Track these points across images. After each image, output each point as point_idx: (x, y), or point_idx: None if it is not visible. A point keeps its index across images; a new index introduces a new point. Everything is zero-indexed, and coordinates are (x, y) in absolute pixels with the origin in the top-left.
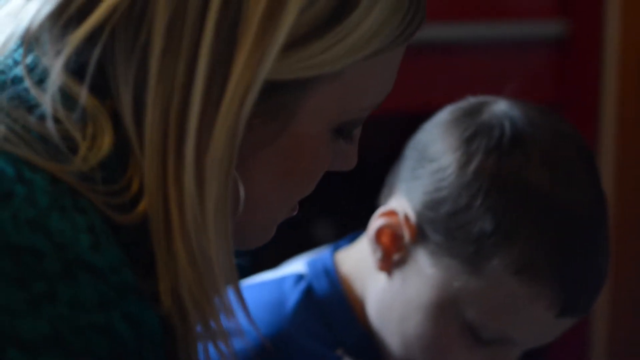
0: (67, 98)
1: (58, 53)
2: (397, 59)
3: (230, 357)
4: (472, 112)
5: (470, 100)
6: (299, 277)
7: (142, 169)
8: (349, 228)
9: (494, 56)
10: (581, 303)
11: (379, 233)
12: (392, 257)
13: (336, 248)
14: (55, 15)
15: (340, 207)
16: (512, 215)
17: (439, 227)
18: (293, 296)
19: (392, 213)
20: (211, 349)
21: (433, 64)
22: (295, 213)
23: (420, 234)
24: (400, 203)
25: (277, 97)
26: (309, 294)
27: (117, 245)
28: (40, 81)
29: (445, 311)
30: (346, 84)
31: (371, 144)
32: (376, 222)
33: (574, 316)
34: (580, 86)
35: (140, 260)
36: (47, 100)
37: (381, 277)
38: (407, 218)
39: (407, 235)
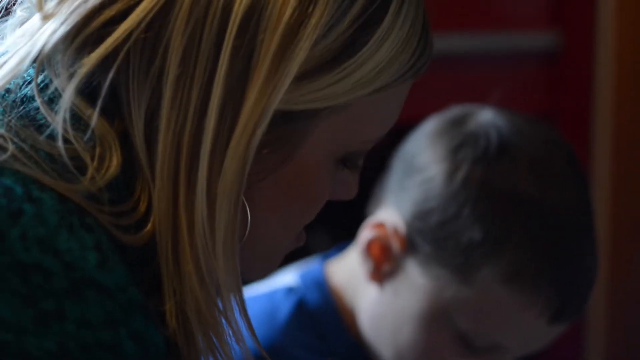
0: (76, 119)
1: (71, 75)
2: (404, 93)
3: None
4: (458, 122)
5: (456, 110)
6: (290, 290)
7: (151, 191)
8: (342, 236)
9: (486, 68)
10: (571, 309)
11: (369, 245)
12: (383, 268)
13: (326, 258)
14: (71, 37)
15: (332, 216)
16: (501, 224)
17: (428, 237)
18: (285, 308)
19: (381, 225)
20: None
21: (424, 76)
22: (302, 243)
23: (409, 245)
24: (389, 214)
25: (286, 126)
26: (300, 306)
27: (123, 263)
28: (50, 101)
29: (437, 320)
30: (353, 116)
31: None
32: (366, 234)
33: (564, 322)
34: (573, 98)
35: (146, 280)
36: (57, 120)
37: (372, 288)
38: (396, 230)
39: (396, 246)
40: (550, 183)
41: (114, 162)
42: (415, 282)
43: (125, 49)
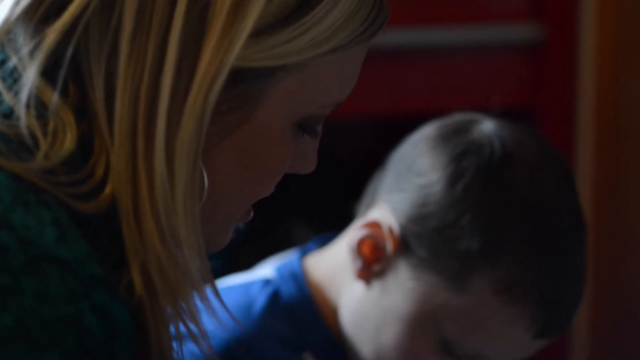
0: (31, 96)
1: (34, 49)
2: (360, 58)
3: (202, 340)
4: (461, 130)
5: (457, 118)
6: (266, 282)
7: (109, 154)
8: (326, 231)
9: (468, 60)
10: (558, 325)
11: (360, 243)
12: (373, 267)
13: (304, 251)
14: (34, 9)
15: (317, 211)
16: (500, 235)
17: (424, 241)
18: (260, 300)
19: (375, 224)
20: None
21: (406, 68)
22: (250, 218)
23: (403, 247)
24: (383, 214)
25: (242, 85)
26: (275, 298)
27: (84, 239)
28: (4, 79)
29: (422, 325)
30: (309, 77)
31: (346, 148)
32: (358, 232)
33: (550, 337)
34: (556, 90)
35: (108, 253)
36: (19, 98)
37: (359, 285)
38: (391, 230)
39: (389, 247)
40: (550, 199)
41: (68, 136)
42: (405, 284)
43: (85, 16)
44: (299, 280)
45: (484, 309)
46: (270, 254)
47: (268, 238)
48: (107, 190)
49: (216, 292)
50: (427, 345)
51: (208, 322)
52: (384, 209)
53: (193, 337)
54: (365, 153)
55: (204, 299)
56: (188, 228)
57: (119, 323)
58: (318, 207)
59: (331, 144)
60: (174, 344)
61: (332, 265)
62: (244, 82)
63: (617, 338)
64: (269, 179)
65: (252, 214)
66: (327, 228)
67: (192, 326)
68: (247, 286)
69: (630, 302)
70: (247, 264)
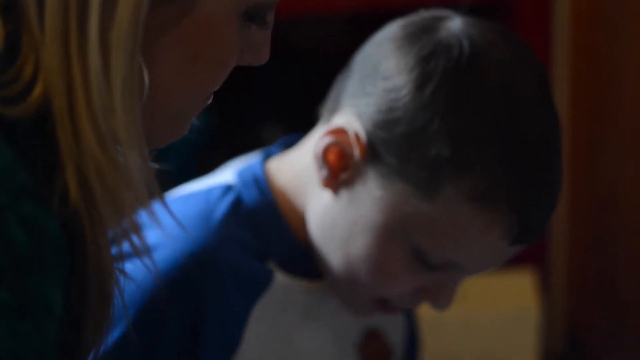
0: None
1: None
2: None
3: (144, 253)
4: (428, 29)
5: (425, 15)
6: (227, 188)
7: (38, 52)
8: (297, 132)
9: None
10: (535, 231)
11: (325, 150)
12: (340, 176)
13: (267, 154)
14: None
15: (290, 111)
16: (470, 140)
17: (392, 149)
18: (220, 208)
19: (341, 130)
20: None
21: None
22: (209, 102)
23: (371, 154)
24: (349, 120)
25: None
26: (237, 205)
27: (8, 146)
28: None
29: (393, 235)
30: None
31: (320, 45)
32: (323, 139)
33: (526, 243)
34: None
35: (39, 161)
36: None
37: (326, 194)
38: (357, 136)
39: (357, 154)
40: (521, 101)
41: None
42: (374, 193)
43: None
44: (262, 185)
45: (456, 218)
46: (232, 157)
47: (238, 140)
48: (37, 91)
49: (161, 197)
50: (398, 256)
51: (165, 233)
52: (349, 115)
53: (135, 249)
54: (340, 50)
55: (147, 205)
56: (128, 127)
57: (50, 235)
58: (291, 107)
59: (305, 41)
60: (114, 256)
61: (296, 171)
62: None
63: (596, 236)
64: (216, 72)
65: (211, 98)
66: (301, 129)
67: (134, 237)
68: (206, 193)
69: (608, 198)
70: (216, 168)
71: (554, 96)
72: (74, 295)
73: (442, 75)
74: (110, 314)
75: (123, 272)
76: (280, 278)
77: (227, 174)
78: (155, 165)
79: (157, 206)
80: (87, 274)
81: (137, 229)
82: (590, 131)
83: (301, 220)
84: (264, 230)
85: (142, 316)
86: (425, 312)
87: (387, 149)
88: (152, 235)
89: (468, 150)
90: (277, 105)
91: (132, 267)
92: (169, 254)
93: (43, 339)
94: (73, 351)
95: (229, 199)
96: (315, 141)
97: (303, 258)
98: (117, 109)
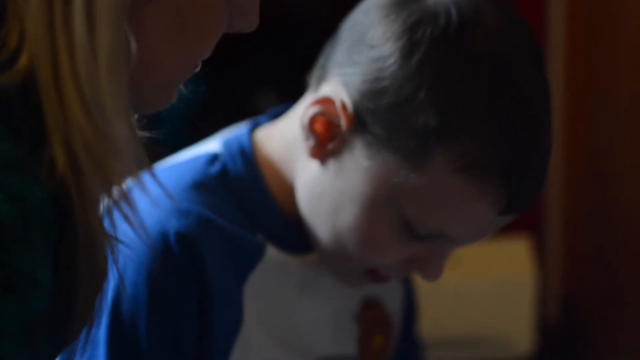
0: None
1: None
2: None
3: (135, 221)
4: None
5: None
6: (213, 157)
7: (23, 21)
8: (292, 100)
9: None
10: (525, 200)
11: (312, 120)
12: (327, 146)
13: (255, 125)
14: None
15: (282, 80)
16: (458, 109)
17: (379, 118)
18: (206, 178)
19: (327, 100)
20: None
21: None
22: (197, 70)
23: (358, 124)
24: (335, 89)
25: None
26: (224, 176)
27: None
28: None
29: (381, 206)
30: None
31: (309, 14)
32: (310, 109)
33: (515, 213)
34: None
35: (25, 132)
36: None
37: (313, 165)
38: (344, 106)
39: (343, 124)
40: (510, 69)
41: None
42: (361, 163)
43: None
44: (248, 156)
45: (445, 188)
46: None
47: (230, 109)
48: (22, 60)
49: (149, 167)
50: (387, 227)
51: (153, 202)
52: (335, 84)
53: (125, 217)
54: (332, 16)
55: (135, 175)
56: (114, 96)
57: (36, 208)
58: (284, 75)
59: (296, 6)
60: (105, 227)
61: (285, 141)
62: None
63: (591, 204)
64: (204, 39)
65: (199, 66)
66: (294, 98)
67: (123, 206)
68: (192, 162)
69: (604, 166)
70: (207, 137)
71: (548, 62)
72: (64, 267)
73: (429, 44)
74: (103, 287)
75: (115, 243)
76: (271, 252)
77: (213, 144)
78: (145, 134)
79: (145, 176)
80: (77, 246)
81: (127, 198)
82: (587, 96)
83: (289, 192)
84: (250, 203)
85: (149, 289)
86: (420, 279)
87: (374, 119)
88: (140, 204)
89: (456, 120)
90: (270, 74)
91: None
92: (155, 225)
93: (28, 314)
94: (64, 326)
95: (215, 168)
96: (302, 111)
97: (291, 232)
98: (103, 78)
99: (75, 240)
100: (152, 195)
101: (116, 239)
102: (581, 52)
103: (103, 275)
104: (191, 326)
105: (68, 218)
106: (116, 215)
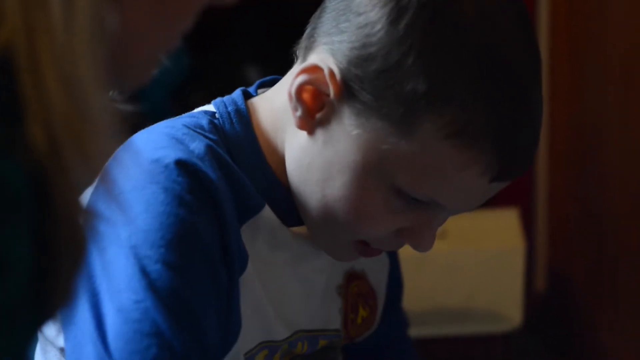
0: None
1: None
2: None
3: (116, 201)
4: None
5: None
6: (210, 113)
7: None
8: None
9: None
10: (516, 167)
11: (299, 90)
12: (315, 116)
13: (245, 93)
14: None
15: (269, 53)
16: (447, 75)
17: (367, 85)
18: (206, 130)
19: (315, 68)
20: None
21: None
22: (177, 44)
23: (346, 92)
24: (323, 58)
25: None
26: (220, 132)
27: None
28: None
29: (370, 174)
30: None
31: None
32: (297, 78)
33: (507, 181)
34: None
35: (2, 112)
36: None
37: (301, 135)
38: (332, 74)
39: (332, 92)
40: (500, 36)
41: None
42: (350, 131)
43: None
44: (244, 117)
45: (435, 155)
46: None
47: (216, 82)
48: (1, 35)
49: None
50: (377, 196)
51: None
52: (323, 52)
53: (106, 193)
54: None
55: (115, 150)
56: (93, 72)
57: (12, 188)
58: (271, 48)
59: None
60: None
61: (274, 111)
62: None
63: (579, 177)
64: (185, 12)
65: (179, 41)
66: (281, 71)
67: (104, 182)
68: (185, 116)
69: (591, 136)
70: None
71: (535, 28)
72: (43, 246)
73: (416, 9)
74: (83, 265)
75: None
76: (268, 212)
77: (203, 107)
78: (128, 108)
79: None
80: (57, 225)
81: (107, 176)
82: (571, 67)
83: (282, 162)
84: (246, 163)
85: (174, 238)
86: (408, 251)
87: (362, 85)
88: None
89: (444, 85)
90: (257, 48)
91: None
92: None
93: (2, 295)
94: (43, 304)
95: (210, 123)
96: (290, 80)
97: (285, 200)
98: (82, 53)
99: (54, 219)
100: (134, 171)
101: (97, 215)
102: (566, 12)
103: (83, 252)
104: (217, 252)
105: (47, 196)
106: (98, 192)
